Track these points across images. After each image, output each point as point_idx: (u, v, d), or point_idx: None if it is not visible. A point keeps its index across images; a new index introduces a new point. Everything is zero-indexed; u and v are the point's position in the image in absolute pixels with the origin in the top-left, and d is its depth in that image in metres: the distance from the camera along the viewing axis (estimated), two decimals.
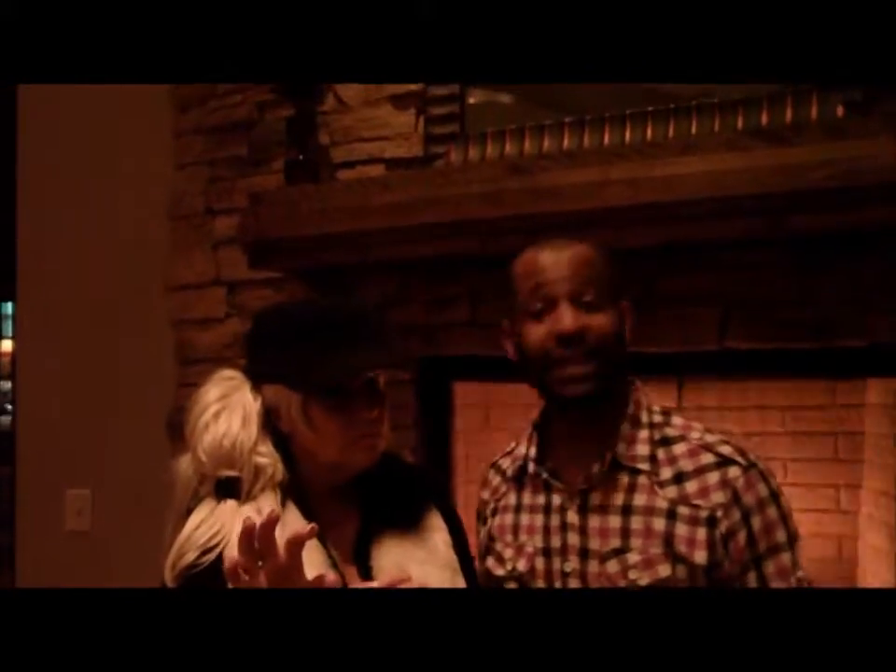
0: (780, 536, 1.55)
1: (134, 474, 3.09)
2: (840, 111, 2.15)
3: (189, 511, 1.52)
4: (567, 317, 1.57)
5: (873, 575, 2.56)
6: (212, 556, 1.44)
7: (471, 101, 2.65)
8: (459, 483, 2.82)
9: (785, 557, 1.55)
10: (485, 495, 1.83)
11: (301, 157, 2.75)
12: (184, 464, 1.57)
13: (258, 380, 1.57)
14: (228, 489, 1.50)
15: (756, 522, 1.54)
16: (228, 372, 1.60)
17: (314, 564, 1.45)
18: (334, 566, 1.51)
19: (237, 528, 1.25)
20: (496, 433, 3.00)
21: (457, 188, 2.40)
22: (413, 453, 2.69)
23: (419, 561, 1.57)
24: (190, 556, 1.45)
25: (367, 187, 2.54)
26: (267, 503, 1.50)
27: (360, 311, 1.58)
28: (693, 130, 2.31)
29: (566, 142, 2.47)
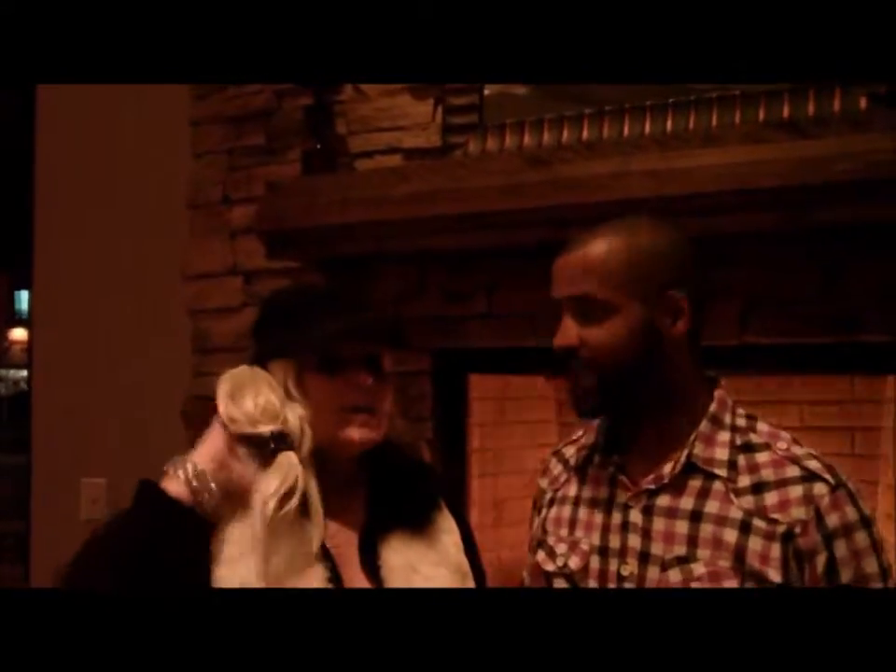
0: (870, 566, 1.41)
1: (150, 463, 3.08)
2: (863, 104, 2.13)
3: None
4: (558, 332, 1.52)
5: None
6: (293, 503, 1.44)
7: (489, 91, 2.63)
8: (474, 476, 2.82)
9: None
10: (543, 483, 1.71)
11: (318, 146, 2.75)
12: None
13: (262, 360, 1.56)
14: (280, 441, 1.47)
15: (840, 547, 1.40)
16: (239, 367, 1.57)
17: (309, 559, 1.46)
18: (331, 560, 1.50)
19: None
20: (511, 426, 2.99)
21: (476, 179, 2.39)
22: (428, 445, 2.68)
23: (430, 563, 1.54)
24: (270, 506, 1.43)
25: (385, 177, 2.53)
26: (309, 481, 1.49)
27: (342, 288, 1.67)
28: (714, 122, 2.29)
29: (585, 133, 2.45)
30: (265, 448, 1.46)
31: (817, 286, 2.23)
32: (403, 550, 1.54)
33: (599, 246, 1.49)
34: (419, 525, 1.57)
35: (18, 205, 3.28)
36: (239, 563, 1.43)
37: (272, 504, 1.42)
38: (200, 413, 3.12)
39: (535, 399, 3.08)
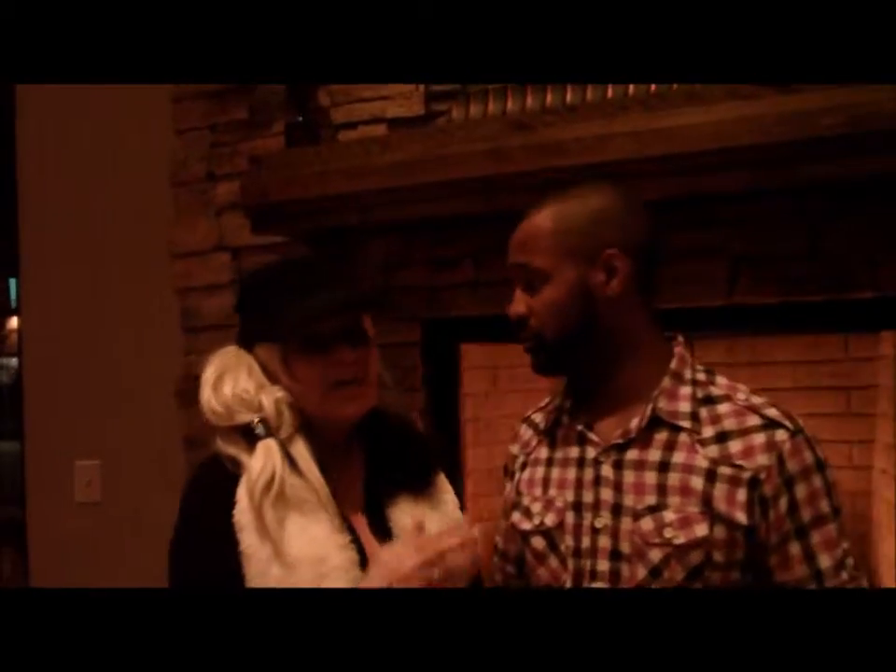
0: (825, 506, 1.50)
1: (143, 444, 3.09)
2: None
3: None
4: (512, 304, 1.62)
5: (887, 529, 2.53)
6: (271, 494, 1.48)
7: None
8: (468, 445, 2.81)
9: (831, 528, 1.49)
10: (514, 449, 1.78)
11: (301, 119, 2.73)
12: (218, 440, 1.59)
13: (247, 343, 1.61)
14: (256, 429, 1.53)
15: (800, 490, 1.48)
16: (225, 348, 1.63)
17: (321, 520, 1.50)
18: (349, 527, 1.54)
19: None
20: (503, 395, 2.97)
21: (459, 145, 2.37)
22: (420, 415, 2.67)
23: (435, 521, 1.59)
24: (256, 495, 1.48)
25: (367, 147, 2.51)
26: (300, 454, 1.53)
27: (319, 261, 1.70)
28: None
29: (568, 96, 2.42)
30: (246, 436, 1.53)
31: (804, 243, 2.22)
32: (411, 510, 1.60)
33: (541, 216, 1.59)
34: (421, 487, 1.64)
35: (1, 193, 3.25)
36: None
37: (256, 493, 1.47)
38: (193, 392, 3.12)
39: (527, 368, 3.05)
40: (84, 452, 3.09)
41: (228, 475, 1.51)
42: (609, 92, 2.37)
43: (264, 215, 2.69)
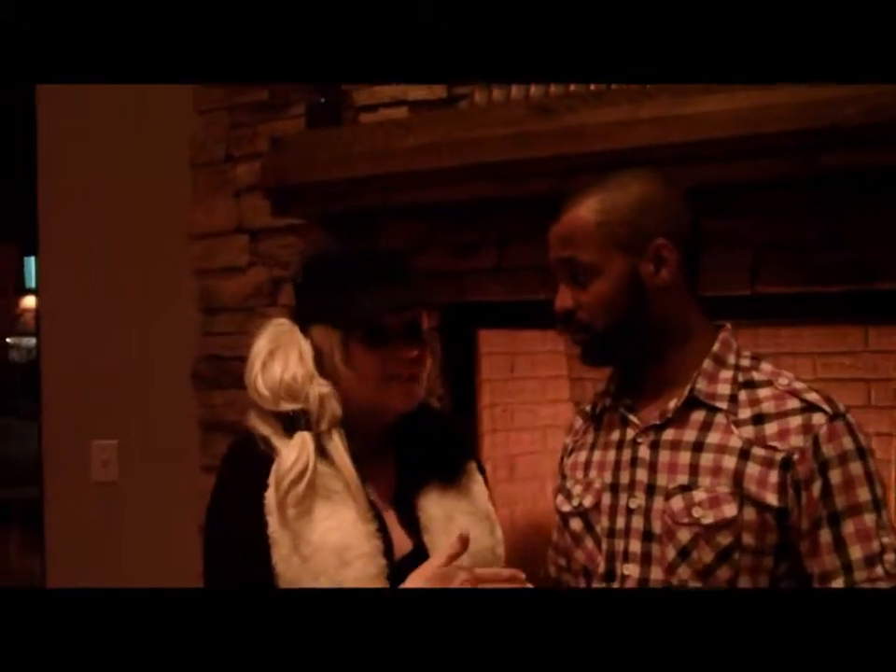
0: (863, 494, 1.46)
1: (160, 424, 3.10)
2: None
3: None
4: (557, 296, 1.61)
5: None
6: (300, 488, 1.49)
7: None
8: (486, 432, 2.80)
9: (868, 519, 1.45)
10: (567, 439, 1.79)
11: (322, 100, 2.71)
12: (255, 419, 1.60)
13: (303, 322, 1.61)
14: (297, 422, 1.54)
15: (835, 475, 1.45)
16: (278, 320, 1.65)
17: (350, 508, 1.51)
18: (377, 516, 1.55)
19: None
20: (521, 381, 2.97)
21: (482, 129, 2.36)
22: (439, 401, 2.67)
23: (463, 511, 1.61)
24: (283, 487, 1.49)
25: (389, 130, 2.50)
26: (335, 447, 1.55)
27: (394, 254, 1.67)
28: None
29: None
30: (286, 423, 1.55)
31: (828, 233, 2.20)
32: (440, 500, 1.62)
33: (583, 208, 1.57)
34: (451, 476, 1.65)
35: (22, 172, 3.25)
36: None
37: (284, 484, 1.49)
38: (210, 373, 3.12)
39: (546, 354, 3.06)
40: (102, 432, 3.10)
41: (260, 455, 1.53)
42: None
43: (285, 197, 2.69)
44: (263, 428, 1.56)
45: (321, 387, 1.55)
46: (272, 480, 1.50)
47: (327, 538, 1.47)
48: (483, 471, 1.74)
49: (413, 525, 1.59)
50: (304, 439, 1.52)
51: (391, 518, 1.59)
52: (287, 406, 1.54)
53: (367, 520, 1.51)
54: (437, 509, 1.60)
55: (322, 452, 1.53)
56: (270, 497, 1.49)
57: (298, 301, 1.68)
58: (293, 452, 1.50)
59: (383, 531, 1.52)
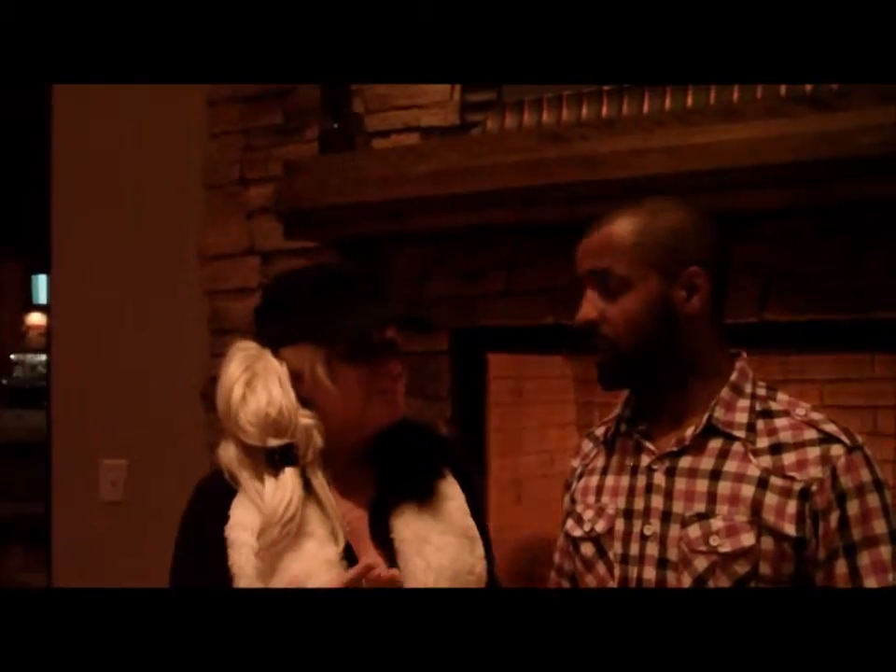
0: (879, 527, 1.46)
1: (169, 444, 3.10)
2: None
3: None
4: (581, 307, 1.60)
5: None
6: (293, 527, 1.47)
7: None
8: (493, 455, 2.81)
9: (884, 551, 1.45)
10: (575, 462, 1.79)
11: (335, 125, 2.73)
12: (228, 451, 1.57)
13: (278, 344, 1.58)
14: (284, 457, 1.52)
15: (852, 506, 1.46)
16: (244, 343, 1.62)
17: (322, 538, 1.50)
18: (348, 543, 1.53)
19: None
20: (530, 405, 2.98)
21: (494, 156, 2.37)
22: (446, 424, 2.68)
23: (438, 532, 1.57)
24: (275, 532, 1.47)
25: (402, 156, 2.52)
26: (320, 484, 1.54)
27: (367, 272, 1.68)
28: (735, 96, 2.26)
29: (604, 110, 2.42)
30: (271, 459, 1.52)
31: (838, 262, 2.21)
32: (413, 522, 1.58)
33: (621, 224, 1.57)
34: (425, 496, 1.61)
35: (33, 189, 3.27)
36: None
37: (275, 529, 1.46)
38: None
39: (554, 379, 3.07)
40: (111, 451, 3.10)
41: (225, 491, 1.52)
42: (646, 107, 2.37)
43: (297, 220, 2.70)
44: (241, 466, 1.53)
45: (306, 419, 1.53)
46: (235, 508, 1.50)
47: (289, 570, 1.46)
48: (469, 479, 1.71)
49: (386, 546, 1.57)
50: (292, 477, 1.50)
51: (365, 543, 1.57)
52: (275, 442, 1.51)
53: (332, 543, 1.50)
54: (409, 531, 1.56)
55: (306, 485, 1.52)
56: (232, 528, 1.48)
57: (265, 324, 1.62)
58: (285, 492, 1.48)
59: (349, 558, 1.50)
